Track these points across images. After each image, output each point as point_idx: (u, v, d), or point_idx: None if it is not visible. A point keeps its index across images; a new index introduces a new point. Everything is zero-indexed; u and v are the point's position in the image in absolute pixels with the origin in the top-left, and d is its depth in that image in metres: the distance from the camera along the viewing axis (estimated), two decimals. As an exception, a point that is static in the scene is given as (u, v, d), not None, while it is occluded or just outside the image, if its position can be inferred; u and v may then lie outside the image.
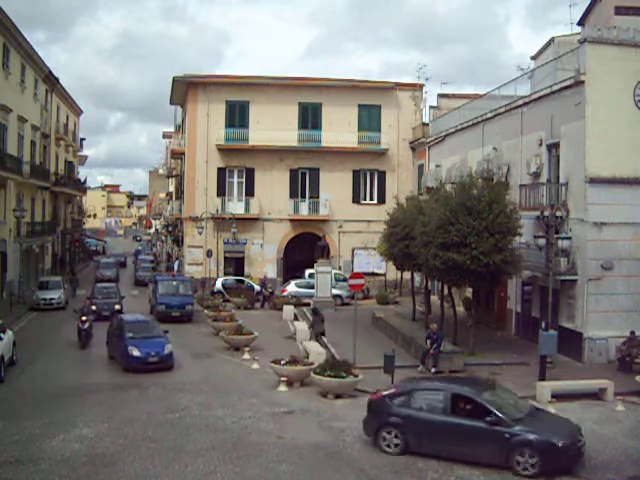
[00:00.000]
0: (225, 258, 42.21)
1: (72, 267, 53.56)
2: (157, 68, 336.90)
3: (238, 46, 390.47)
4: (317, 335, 26.42)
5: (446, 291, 25.89)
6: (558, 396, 18.31)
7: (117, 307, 31.88)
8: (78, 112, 62.03)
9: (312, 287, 36.54)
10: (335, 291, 36.58)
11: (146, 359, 21.29)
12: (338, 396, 18.57)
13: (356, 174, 43.59)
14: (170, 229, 59.85)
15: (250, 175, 43.04)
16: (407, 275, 33.08)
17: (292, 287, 38.03)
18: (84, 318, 25.43)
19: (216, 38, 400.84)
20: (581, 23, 33.65)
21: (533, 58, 34.02)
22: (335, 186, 43.07)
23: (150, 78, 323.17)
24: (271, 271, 42.10)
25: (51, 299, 35.13)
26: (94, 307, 29.82)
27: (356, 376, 19.03)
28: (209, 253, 40.97)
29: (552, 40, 30.93)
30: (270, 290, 38.03)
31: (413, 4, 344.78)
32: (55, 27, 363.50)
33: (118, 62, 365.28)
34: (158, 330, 23.31)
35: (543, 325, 20.97)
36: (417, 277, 32.73)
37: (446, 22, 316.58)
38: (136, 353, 21.35)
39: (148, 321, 24.47)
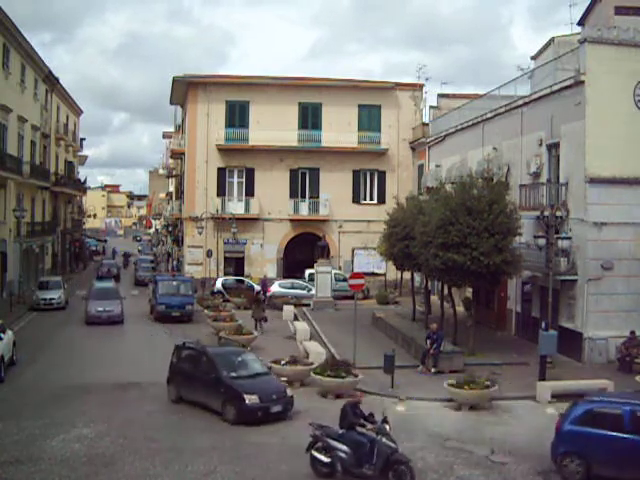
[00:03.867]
0: (225, 258, 42.21)
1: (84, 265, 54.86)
2: (161, 69, 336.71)
3: (242, 47, 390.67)
4: (256, 320, 28.74)
5: (446, 291, 25.88)
6: (558, 396, 18.33)
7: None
8: (78, 112, 61.99)
9: (295, 287, 37.88)
10: None
11: None
12: (338, 396, 18.52)
13: (356, 174, 43.60)
14: (170, 229, 59.87)
15: (250, 175, 43.04)
16: (407, 275, 33.05)
17: (275, 287, 37.93)
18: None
19: (221, 39, 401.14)
20: (581, 23, 33.60)
21: (533, 58, 34.00)
22: (335, 186, 43.07)
23: (154, 79, 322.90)
24: (271, 271, 42.08)
25: (51, 299, 35.08)
26: None
27: (356, 376, 19.05)
28: (209, 253, 40.96)
29: (552, 40, 30.90)
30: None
31: (417, 5, 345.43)
32: (60, 28, 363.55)
33: (122, 63, 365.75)
34: None
35: (543, 325, 20.97)
36: (417, 277, 32.71)
37: (449, 23, 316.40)
38: None
39: None
